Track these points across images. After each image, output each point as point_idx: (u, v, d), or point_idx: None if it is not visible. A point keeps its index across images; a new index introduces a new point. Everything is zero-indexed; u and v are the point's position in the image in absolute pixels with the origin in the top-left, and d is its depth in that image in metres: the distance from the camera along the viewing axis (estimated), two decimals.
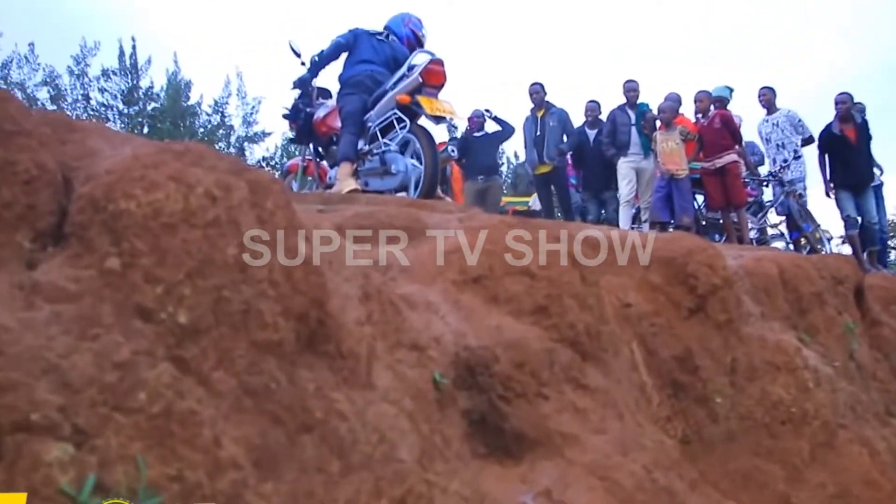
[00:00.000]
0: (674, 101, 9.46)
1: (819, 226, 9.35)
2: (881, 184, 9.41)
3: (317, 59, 6.88)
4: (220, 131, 24.87)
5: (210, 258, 1.87)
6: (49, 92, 22.17)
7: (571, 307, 3.29)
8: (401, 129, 5.92)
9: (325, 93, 7.18)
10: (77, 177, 2.01)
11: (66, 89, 22.46)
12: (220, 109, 24.71)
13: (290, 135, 7.84)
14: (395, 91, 6.07)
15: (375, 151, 6.16)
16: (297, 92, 7.20)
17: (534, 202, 10.88)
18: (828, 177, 9.03)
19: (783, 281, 5.21)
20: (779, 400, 4.26)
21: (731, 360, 4.29)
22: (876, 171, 9.31)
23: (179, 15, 36.11)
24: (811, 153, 9.45)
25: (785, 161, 9.27)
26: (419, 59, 6.18)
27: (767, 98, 9.48)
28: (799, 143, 9.46)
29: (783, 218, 9.63)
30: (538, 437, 2.85)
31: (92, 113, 22.66)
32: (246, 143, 24.22)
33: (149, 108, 23.71)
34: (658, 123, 9.01)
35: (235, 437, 1.72)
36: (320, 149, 7.12)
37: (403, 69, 6.23)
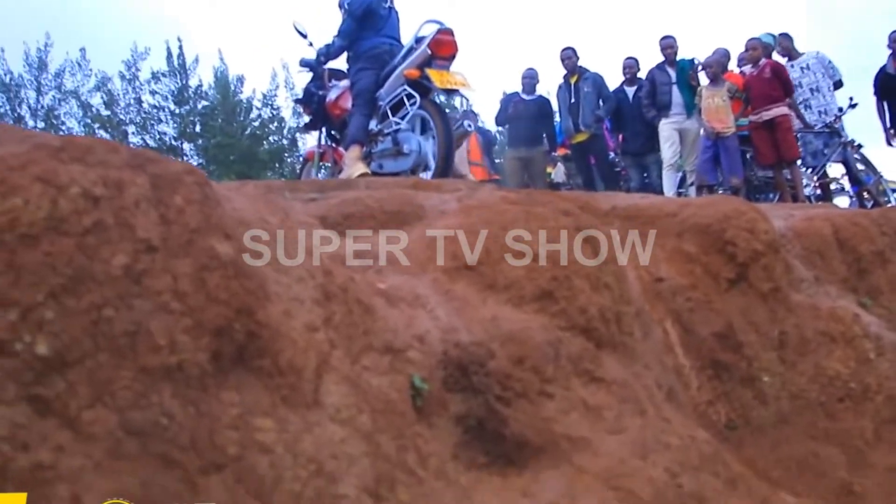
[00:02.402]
0: (722, 55, 8.94)
1: (882, 177, 8.73)
2: None
3: (323, 57, 6.56)
4: (273, 124, 24.91)
5: (87, 272, 1.56)
6: (102, 97, 22.43)
7: (582, 289, 2.91)
8: (411, 105, 5.56)
9: (337, 73, 6.83)
10: None
11: (118, 94, 22.67)
12: (270, 102, 24.75)
13: (305, 120, 7.52)
14: (404, 66, 5.71)
15: (386, 131, 5.81)
16: (309, 75, 6.88)
17: (556, 174, 10.34)
18: (887, 123, 8.40)
19: (839, 241, 4.74)
20: (835, 375, 3.84)
21: (780, 334, 3.87)
22: None
23: (222, 13, 36.15)
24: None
25: (840, 110, 8.66)
26: (426, 29, 5.80)
27: (785, 46, 8.85)
28: (831, 87, 8.84)
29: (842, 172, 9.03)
30: (542, 442, 2.50)
31: (145, 115, 22.91)
32: (298, 134, 24.09)
33: (199, 106, 23.83)
34: (704, 78, 8.49)
35: (106, 492, 1.40)
36: (335, 133, 6.79)
37: (411, 41, 5.86)
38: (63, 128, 21.24)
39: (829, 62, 8.95)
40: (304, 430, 1.80)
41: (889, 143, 8.44)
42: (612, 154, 9.82)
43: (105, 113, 22.09)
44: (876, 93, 8.45)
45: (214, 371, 1.70)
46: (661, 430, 2.72)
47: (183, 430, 1.56)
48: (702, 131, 8.37)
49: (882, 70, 8.37)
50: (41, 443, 1.37)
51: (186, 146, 23.59)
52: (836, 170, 9.23)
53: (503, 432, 2.49)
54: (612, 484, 2.43)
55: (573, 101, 9.11)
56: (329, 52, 6.48)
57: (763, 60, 8.30)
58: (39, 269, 1.49)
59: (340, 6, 6.37)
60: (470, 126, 7.77)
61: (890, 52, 8.33)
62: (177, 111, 23.37)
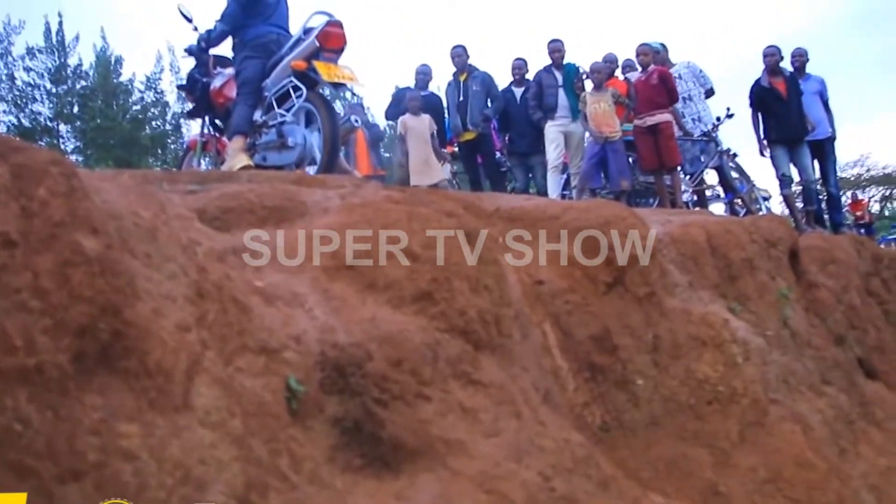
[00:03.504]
0: (610, 61, 9.13)
1: (754, 185, 9.10)
2: (833, 137, 9.11)
3: (204, 42, 6.40)
4: (156, 109, 24.19)
5: None
6: None
7: (462, 291, 2.92)
8: (297, 98, 5.48)
9: (223, 60, 6.66)
10: None
11: None
12: (154, 85, 24.03)
13: (188, 107, 7.33)
14: (291, 57, 5.62)
15: (271, 123, 5.71)
16: (193, 60, 6.69)
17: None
18: (761, 134, 8.75)
19: (711, 247, 4.91)
20: (704, 378, 3.97)
21: (653, 338, 3.98)
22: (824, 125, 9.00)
23: None
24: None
25: (718, 119, 8.99)
26: (315, 20, 5.71)
27: (648, 57, 9.12)
28: (702, 95, 9.21)
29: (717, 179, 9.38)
30: (418, 445, 2.49)
31: (18, 93, 21.88)
32: (182, 120, 23.44)
33: (78, 86, 22.90)
34: (589, 84, 8.64)
35: None
36: (218, 121, 6.62)
37: (299, 32, 5.77)
38: None
39: (700, 71, 9.30)
40: (172, 435, 1.74)
41: (762, 153, 8.79)
42: (498, 154, 9.90)
43: None
44: (751, 105, 8.78)
45: (76, 373, 1.62)
46: (536, 433, 2.75)
47: (39, 437, 1.48)
48: (587, 136, 8.53)
49: (757, 83, 8.71)
50: None
51: (63, 128, 22.66)
52: (712, 177, 9.57)
53: (380, 435, 2.47)
54: (486, 487, 2.44)
55: (462, 99, 9.13)
56: (210, 38, 6.32)
57: (651, 66, 8.50)
58: None
59: None
60: (357, 121, 7.70)
61: (764, 66, 8.68)
62: (53, 90, 22.40)
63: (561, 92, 8.80)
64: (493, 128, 9.68)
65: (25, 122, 21.37)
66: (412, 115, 8.88)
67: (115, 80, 23.23)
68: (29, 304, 1.57)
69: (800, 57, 9.09)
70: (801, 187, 9.35)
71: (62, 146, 21.20)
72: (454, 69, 9.40)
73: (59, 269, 1.65)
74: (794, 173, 8.80)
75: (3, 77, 21.64)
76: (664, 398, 3.85)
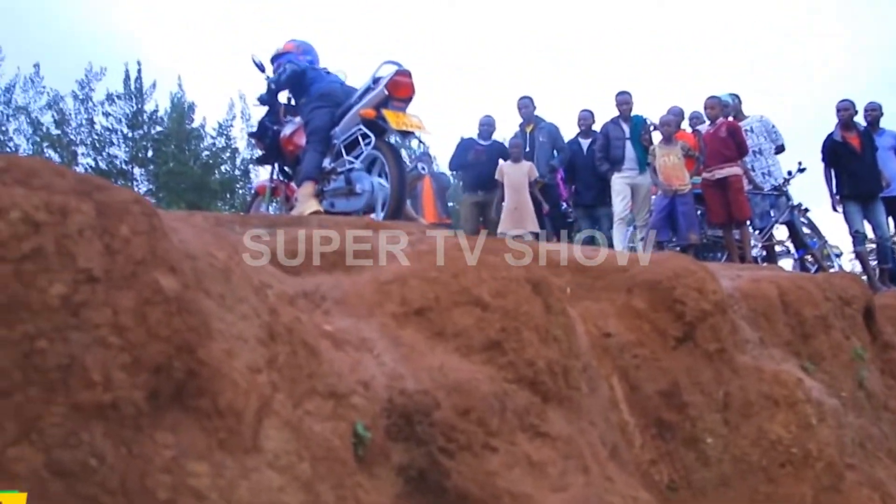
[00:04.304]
0: (676, 114, 9.11)
1: (826, 242, 8.92)
2: None
3: (273, 85, 6.63)
4: (226, 154, 24.76)
5: (22, 301, 1.48)
6: (53, 116, 22.12)
7: (531, 341, 2.88)
8: (365, 145, 5.57)
9: (292, 109, 6.83)
10: None
11: (70, 113, 22.36)
12: (225, 132, 24.63)
13: (258, 154, 7.52)
14: (360, 105, 5.72)
15: (340, 170, 5.80)
16: (264, 109, 6.87)
17: None
18: (834, 189, 8.60)
19: (784, 304, 4.80)
20: (777, 439, 3.84)
21: (724, 395, 3.88)
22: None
23: (184, 39, 36.04)
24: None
25: (790, 173, 8.87)
26: (384, 70, 5.83)
27: (733, 106, 9.05)
28: (773, 150, 9.09)
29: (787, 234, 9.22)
30: (484, 497, 2.44)
31: (96, 137, 22.60)
32: (251, 166, 23.94)
33: (153, 131, 23.59)
34: (657, 137, 8.61)
35: None
36: (287, 168, 6.77)
37: (368, 81, 5.88)
38: (10, 144, 20.86)
39: (773, 126, 9.20)
40: (241, 477, 1.73)
41: (834, 209, 8.64)
42: (564, 205, 9.89)
43: (55, 132, 21.74)
44: (824, 159, 8.66)
45: (150, 410, 1.63)
46: (605, 490, 2.69)
47: (113, 473, 1.48)
48: (657, 189, 8.48)
49: (829, 137, 8.59)
50: None
51: (137, 171, 23.32)
52: (782, 232, 9.42)
53: (445, 485, 2.43)
54: None
55: (528, 150, 9.19)
56: (280, 80, 6.51)
57: (720, 119, 8.46)
58: None
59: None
60: (424, 169, 7.79)
61: (838, 120, 8.56)
62: (130, 135, 23.10)
63: (628, 144, 8.80)
64: (561, 178, 9.69)
65: (102, 165, 22.04)
66: (513, 161, 8.92)
67: (187, 126, 23.86)
68: (108, 339, 1.58)
69: (873, 111, 8.94)
70: (874, 245, 9.13)
71: (136, 189, 21.77)
72: (520, 120, 9.46)
73: (139, 307, 1.67)
74: (868, 230, 8.61)
75: (84, 121, 22.40)
76: (735, 458, 3.74)
